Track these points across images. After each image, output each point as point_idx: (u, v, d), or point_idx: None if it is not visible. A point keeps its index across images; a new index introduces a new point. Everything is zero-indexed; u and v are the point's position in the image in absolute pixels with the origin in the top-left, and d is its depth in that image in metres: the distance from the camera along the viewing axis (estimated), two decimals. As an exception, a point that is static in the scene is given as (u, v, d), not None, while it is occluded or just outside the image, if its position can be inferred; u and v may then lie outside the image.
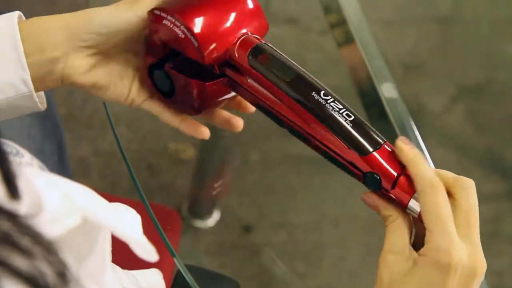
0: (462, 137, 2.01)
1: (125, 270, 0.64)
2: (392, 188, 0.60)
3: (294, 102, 0.64)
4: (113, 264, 0.59)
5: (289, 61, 0.67)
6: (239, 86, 0.68)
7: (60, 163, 0.94)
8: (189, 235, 1.68)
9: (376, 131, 0.63)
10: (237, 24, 0.68)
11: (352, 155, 0.62)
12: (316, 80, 0.66)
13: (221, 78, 0.69)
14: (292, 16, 2.17)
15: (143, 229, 0.52)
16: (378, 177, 0.61)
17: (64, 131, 0.97)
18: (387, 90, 0.91)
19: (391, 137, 0.89)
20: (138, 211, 0.65)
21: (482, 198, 2.09)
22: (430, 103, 2.07)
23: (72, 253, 0.40)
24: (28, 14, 0.70)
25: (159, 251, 0.54)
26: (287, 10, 2.17)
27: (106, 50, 0.68)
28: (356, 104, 1.00)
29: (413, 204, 0.60)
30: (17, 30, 0.63)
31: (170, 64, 0.70)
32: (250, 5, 0.69)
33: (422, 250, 0.56)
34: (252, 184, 1.82)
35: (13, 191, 0.37)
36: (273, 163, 1.85)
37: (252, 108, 0.73)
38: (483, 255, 0.57)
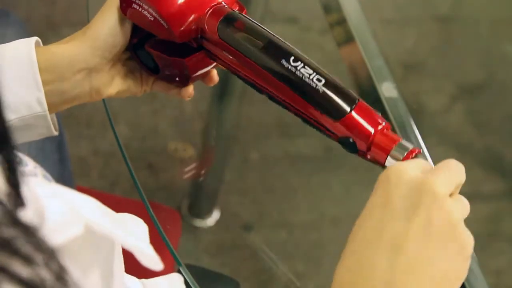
0: (461, 137, 2.01)
1: (147, 280, 0.65)
2: (368, 149, 0.61)
3: (264, 71, 0.65)
4: (131, 277, 0.60)
5: (260, 28, 0.67)
6: (217, 57, 0.69)
7: (61, 163, 0.94)
8: (189, 234, 1.68)
9: (349, 91, 0.63)
10: (194, 7, 0.68)
11: (326, 120, 0.62)
12: (288, 45, 0.66)
13: (199, 52, 0.70)
14: (292, 15, 2.17)
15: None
16: (353, 141, 0.61)
17: (64, 130, 0.98)
18: (387, 90, 0.91)
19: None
20: (138, 211, 0.65)
21: (482, 197, 2.10)
22: (430, 102, 2.07)
23: (75, 262, 0.40)
24: (27, 13, 0.71)
25: (159, 250, 0.54)
26: (287, 10, 2.17)
27: (116, 59, 0.71)
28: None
29: (389, 163, 0.60)
30: (34, 54, 0.66)
31: (149, 43, 0.71)
32: None
33: None
34: (252, 183, 1.82)
35: (18, 199, 0.37)
36: (272, 162, 1.85)
37: (214, 83, 0.75)
38: (441, 181, 0.55)
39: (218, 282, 0.80)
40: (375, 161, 0.61)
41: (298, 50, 0.66)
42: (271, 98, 0.66)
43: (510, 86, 2.18)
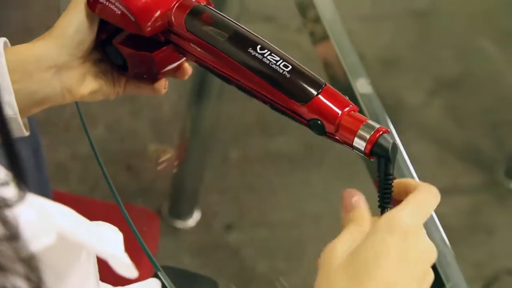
0: (440, 131, 2.02)
1: (123, 287, 0.64)
2: (336, 131, 0.62)
3: (233, 61, 0.66)
4: (106, 285, 0.60)
5: (227, 20, 0.69)
6: (185, 50, 0.70)
7: (37, 169, 0.93)
8: (170, 236, 1.68)
9: (316, 77, 0.65)
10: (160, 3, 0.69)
11: (294, 105, 0.64)
12: (254, 34, 0.67)
13: (167, 46, 0.71)
14: (268, 14, 2.17)
15: (122, 231, 0.53)
16: (321, 123, 0.63)
17: (40, 135, 0.97)
18: (362, 86, 0.91)
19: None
20: (118, 214, 0.65)
21: (461, 191, 2.11)
22: (408, 97, 2.08)
23: (50, 270, 0.40)
24: (1, 18, 0.71)
25: (138, 253, 0.54)
26: (264, 9, 2.17)
27: (85, 56, 0.71)
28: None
29: (357, 143, 0.61)
30: (2, 56, 0.65)
31: (117, 39, 0.71)
32: None
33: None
34: (232, 182, 1.83)
35: None
36: (253, 161, 1.85)
37: (187, 75, 0.75)
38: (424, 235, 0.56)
39: (195, 283, 0.80)
40: (343, 142, 0.63)
41: (262, 39, 0.67)
42: (240, 87, 0.68)
43: (486, 80, 2.19)
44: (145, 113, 1.88)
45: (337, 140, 0.63)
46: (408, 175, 0.88)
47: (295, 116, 0.65)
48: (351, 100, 0.64)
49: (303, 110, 0.64)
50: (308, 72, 0.65)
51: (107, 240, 0.49)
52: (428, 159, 1.93)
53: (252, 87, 0.66)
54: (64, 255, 0.46)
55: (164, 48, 0.71)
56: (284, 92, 0.64)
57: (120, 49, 0.71)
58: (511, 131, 2.04)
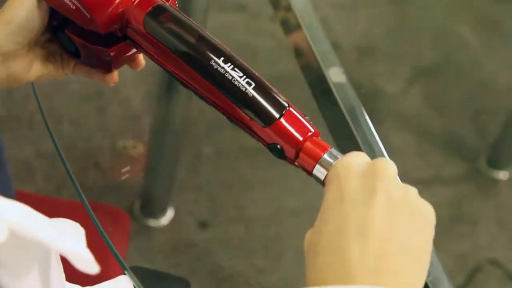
0: (420, 120, 2.03)
1: (92, 286, 0.64)
2: (296, 157, 0.61)
3: (193, 71, 0.64)
4: (73, 285, 0.59)
5: (191, 24, 0.67)
6: (142, 48, 0.68)
7: (-2, 167, 0.92)
8: (142, 235, 1.67)
9: (280, 97, 0.63)
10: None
11: (254, 125, 0.62)
12: (219, 44, 0.66)
13: (124, 41, 0.69)
14: (240, 3, 2.17)
15: (90, 232, 0.52)
16: (281, 148, 0.62)
17: (2, 132, 0.96)
18: (335, 75, 0.91)
19: (341, 123, 0.90)
20: (84, 213, 0.65)
21: (443, 181, 2.13)
22: (386, 86, 2.09)
23: (3, 268, 0.39)
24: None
25: (108, 253, 0.54)
26: (235, -4, 2.17)
27: (33, 43, 0.69)
28: (306, 92, 1.01)
29: (317, 171, 0.60)
30: None
31: (70, 29, 0.69)
32: None
33: None
34: (206, 178, 1.82)
35: None
36: (227, 156, 1.85)
37: (141, 65, 0.74)
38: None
39: (166, 283, 0.80)
40: (303, 169, 0.62)
41: (229, 51, 0.65)
42: (199, 95, 0.66)
43: (466, 67, 2.21)
44: (113, 108, 1.87)
45: (296, 166, 0.62)
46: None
47: (256, 137, 0.63)
48: (325, 90, 0.64)
49: (263, 132, 0.62)
50: (272, 90, 0.64)
51: (66, 235, 0.49)
52: (408, 149, 1.94)
53: (212, 100, 0.65)
54: (18, 252, 0.45)
55: (121, 43, 0.69)
56: (245, 112, 0.63)
57: (73, 39, 0.70)
58: (492, 119, 2.05)
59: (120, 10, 0.67)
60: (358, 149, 0.86)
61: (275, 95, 0.63)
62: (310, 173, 0.61)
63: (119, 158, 1.79)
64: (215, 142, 1.86)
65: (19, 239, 0.43)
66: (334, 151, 0.61)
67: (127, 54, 0.71)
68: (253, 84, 0.63)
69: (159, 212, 1.71)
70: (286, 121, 0.62)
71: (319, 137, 0.63)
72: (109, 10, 0.66)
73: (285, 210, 1.78)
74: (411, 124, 2.01)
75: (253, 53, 2.05)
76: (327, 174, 0.59)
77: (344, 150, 0.94)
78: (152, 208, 1.71)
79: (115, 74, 0.73)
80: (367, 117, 0.89)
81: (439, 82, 2.15)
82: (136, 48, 0.70)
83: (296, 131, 0.62)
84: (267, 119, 0.62)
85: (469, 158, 1.97)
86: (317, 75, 0.94)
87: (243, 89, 0.63)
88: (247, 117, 0.62)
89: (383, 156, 0.87)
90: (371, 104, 2.12)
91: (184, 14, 0.67)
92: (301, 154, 0.61)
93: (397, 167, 0.90)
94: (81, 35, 0.69)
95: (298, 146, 0.61)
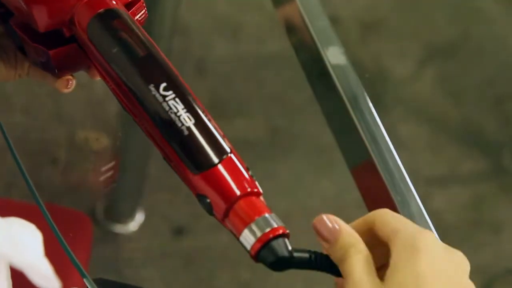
0: (433, 108, 2.04)
1: None
2: (225, 216, 0.59)
3: (127, 91, 0.64)
4: None
5: (142, 39, 0.66)
6: (88, 57, 0.68)
7: None
8: (107, 243, 1.68)
9: (221, 141, 0.62)
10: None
11: (184, 170, 0.61)
12: (166, 66, 0.65)
13: (70, 44, 0.68)
14: (223, -31, 2.18)
15: (46, 239, 0.52)
16: (209, 201, 0.60)
17: None
18: (334, 56, 0.92)
19: (341, 112, 0.90)
20: (39, 216, 0.65)
21: (461, 180, 2.15)
22: (394, 68, 2.10)
23: None
24: None
25: (67, 263, 0.54)
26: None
27: None
28: (300, 75, 1.02)
29: (243, 238, 0.58)
30: None
31: (14, 19, 0.69)
32: None
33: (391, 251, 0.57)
34: (183, 176, 1.83)
35: None
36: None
37: (97, 77, 0.72)
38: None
39: (136, 298, 0.80)
40: (230, 231, 0.59)
41: (177, 76, 0.64)
42: (136, 122, 0.65)
43: (487, 46, 2.21)
44: (72, 94, 1.87)
45: (225, 227, 0.60)
46: (394, 166, 0.89)
47: (185, 182, 0.62)
48: (321, 73, 0.64)
49: (193, 179, 0.61)
50: (215, 132, 0.62)
51: (22, 244, 0.49)
52: (420, 143, 1.96)
53: (145, 128, 0.64)
54: None
55: (66, 46, 0.68)
56: (175, 150, 0.62)
57: (17, 32, 0.69)
58: (518, 107, 2.07)
59: (63, 7, 0.66)
60: (360, 142, 0.86)
61: (217, 138, 0.62)
62: (237, 238, 0.58)
63: (80, 153, 1.79)
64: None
65: None
66: (270, 217, 0.58)
67: (75, 65, 0.70)
68: (193, 121, 0.62)
69: (127, 216, 1.71)
70: (223, 170, 0.60)
71: (261, 198, 0.60)
72: (50, 6, 0.66)
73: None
74: (422, 113, 2.02)
75: (237, 29, 2.06)
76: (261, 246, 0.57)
77: (344, 144, 0.95)
78: (118, 212, 1.71)
79: (66, 81, 0.72)
80: (371, 105, 0.90)
81: (456, 63, 2.16)
82: (84, 53, 0.69)
83: (232, 185, 0.60)
84: (199, 165, 0.60)
85: (490, 153, 1.98)
86: (312, 56, 0.95)
87: (179, 125, 0.61)
88: (177, 157, 0.61)
89: (389, 150, 0.88)
90: (376, 89, 2.15)
91: (139, 27, 0.67)
92: (230, 214, 0.59)
93: (406, 163, 0.92)
94: (24, 28, 0.68)
95: (228, 203, 0.59)
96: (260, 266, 1.85)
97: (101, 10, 0.66)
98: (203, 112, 0.63)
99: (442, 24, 2.23)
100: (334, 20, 2.05)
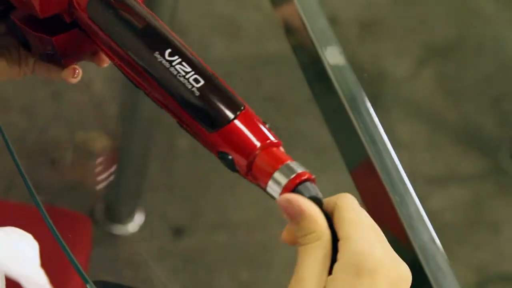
0: (432, 107, 2.04)
1: None
2: (248, 170, 0.60)
3: (135, 64, 0.65)
4: None
5: (140, 10, 0.67)
6: (91, 39, 0.68)
7: None
8: (106, 244, 1.68)
9: (234, 97, 0.63)
10: None
11: (200, 130, 0.62)
12: (167, 34, 0.66)
13: (72, 29, 0.69)
14: (221, -31, 2.18)
15: (45, 241, 0.52)
16: (231, 158, 0.61)
17: None
18: (332, 56, 0.92)
19: (339, 112, 0.90)
20: (38, 218, 0.65)
21: (459, 179, 2.14)
22: (392, 68, 2.10)
23: None
24: None
25: (67, 264, 0.54)
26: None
27: None
28: (299, 75, 1.02)
29: (271, 188, 0.58)
30: None
31: (15, 13, 0.70)
32: None
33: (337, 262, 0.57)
34: (182, 177, 1.83)
35: None
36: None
37: (105, 62, 0.73)
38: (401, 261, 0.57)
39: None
40: (257, 185, 0.60)
41: (180, 42, 0.65)
42: (147, 95, 0.66)
43: (486, 46, 2.21)
44: (71, 94, 1.87)
45: (250, 180, 0.61)
46: (392, 166, 0.89)
47: (203, 143, 0.63)
48: (319, 74, 0.64)
49: (210, 138, 0.61)
50: (226, 90, 0.63)
51: (18, 254, 0.49)
52: (418, 143, 1.95)
53: (158, 99, 0.65)
54: None
55: (68, 32, 0.69)
56: (189, 112, 0.62)
57: (18, 26, 0.70)
58: (516, 106, 2.07)
59: None
60: (359, 142, 0.86)
61: (229, 95, 0.62)
62: (264, 189, 0.59)
63: (79, 153, 1.79)
64: (191, 134, 1.86)
65: None
66: (293, 164, 0.58)
67: (80, 50, 0.71)
68: (202, 82, 0.62)
69: (126, 216, 1.71)
70: (240, 125, 0.61)
71: (280, 148, 0.61)
72: None
73: (274, 213, 1.79)
74: (421, 112, 2.02)
75: (235, 29, 2.06)
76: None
77: (343, 144, 0.95)
78: (117, 212, 1.71)
79: (73, 69, 0.73)
80: (369, 105, 0.90)
81: (454, 62, 2.16)
82: (88, 36, 0.69)
83: (251, 138, 0.60)
84: (216, 123, 0.61)
85: (489, 152, 1.98)
86: (311, 56, 0.95)
87: (189, 87, 0.62)
88: (192, 118, 0.62)
89: (388, 150, 0.88)
90: (374, 89, 2.14)
91: (136, 2, 0.68)
92: (253, 168, 0.60)
93: (405, 163, 0.92)
94: (25, 20, 0.69)
95: (250, 157, 0.60)
96: (260, 265, 1.85)
97: None
98: (211, 74, 0.63)
99: (440, 24, 2.23)
100: (333, 21, 2.05)
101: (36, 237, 0.60)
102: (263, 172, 0.59)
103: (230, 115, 0.61)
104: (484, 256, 1.80)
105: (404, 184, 0.88)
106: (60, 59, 0.71)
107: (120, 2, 0.67)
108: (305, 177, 0.57)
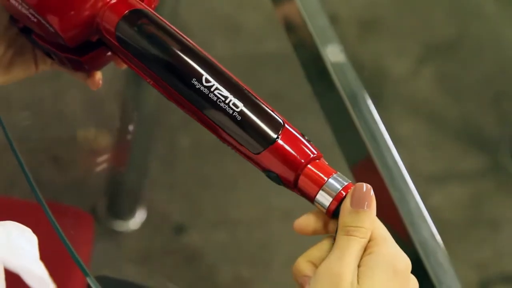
0: (432, 106, 2.04)
1: None
2: (295, 185, 0.62)
3: (172, 89, 0.65)
4: None
5: (173, 33, 0.66)
6: (119, 57, 0.68)
7: None
8: (108, 240, 1.67)
9: (273, 115, 0.64)
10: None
11: (246, 151, 0.63)
12: (202, 57, 0.65)
13: (99, 48, 0.69)
14: (222, -31, 2.18)
15: (47, 237, 0.53)
16: (277, 175, 0.63)
17: None
18: (333, 54, 0.92)
19: (340, 110, 0.90)
20: (40, 214, 0.65)
21: (459, 177, 2.15)
22: (392, 66, 2.09)
23: None
24: None
25: (70, 261, 0.54)
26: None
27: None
28: (299, 73, 1.02)
29: (321, 197, 0.61)
30: None
31: (37, 34, 0.69)
32: None
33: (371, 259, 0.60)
34: (183, 174, 1.83)
35: None
36: (207, 149, 1.85)
37: (124, 66, 0.73)
38: None
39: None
40: (304, 196, 0.63)
41: (215, 63, 0.65)
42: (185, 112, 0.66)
43: (486, 44, 2.21)
44: (73, 92, 1.87)
45: (296, 192, 0.63)
46: (393, 163, 0.89)
47: (251, 162, 0.64)
48: (320, 72, 0.65)
49: (256, 159, 0.63)
50: (264, 110, 0.64)
51: (18, 247, 0.49)
52: (418, 140, 1.95)
53: (199, 121, 0.65)
54: None
55: (96, 51, 0.69)
56: (234, 137, 0.63)
57: (42, 45, 0.69)
58: (516, 105, 2.07)
59: (88, 16, 0.66)
60: (359, 140, 0.87)
61: (269, 114, 0.64)
62: (312, 200, 0.62)
63: (81, 151, 1.79)
64: (193, 131, 1.87)
65: None
66: (339, 176, 0.62)
67: (106, 61, 0.71)
68: (241, 105, 0.63)
69: (128, 213, 1.71)
70: (283, 144, 0.63)
71: (322, 160, 0.63)
72: (75, 21, 0.66)
73: (274, 211, 1.79)
74: (421, 110, 2.02)
75: (236, 28, 2.05)
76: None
77: (344, 141, 0.95)
78: (119, 209, 1.71)
79: (98, 77, 0.73)
80: (370, 103, 0.90)
81: (454, 61, 2.15)
82: (113, 53, 0.69)
83: (295, 155, 0.62)
84: (260, 145, 0.63)
85: (489, 150, 1.98)
86: (312, 54, 0.95)
87: (230, 112, 0.63)
88: (237, 142, 0.63)
89: (388, 148, 0.88)
90: (375, 88, 2.14)
91: (165, 21, 0.67)
92: (299, 182, 0.62)
93: (405, 161, 0.92)
94: (49, 43, 0.69)
95: (296, 173, 0.62)
96: (261, 261, 1.84)
97: (126, 12, 0.66)
98: (247, 91, 0.64)
99: (440, 23, 2.23)
100: (333, 19, 2.04)
101: (38, 233, 0.60)
102: (311, 186, 0.61)
103: (273, 135, 0.63)
104: (484, 254, 1.80)
105: (405, 181, 0.88)
106: (86, 70, 0.71)
107: (150, 25, 0.66)
108: (351, 188, 0.61)
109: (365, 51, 2.08)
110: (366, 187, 0.61)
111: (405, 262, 0.60)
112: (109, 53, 0.70)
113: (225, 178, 1.82)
